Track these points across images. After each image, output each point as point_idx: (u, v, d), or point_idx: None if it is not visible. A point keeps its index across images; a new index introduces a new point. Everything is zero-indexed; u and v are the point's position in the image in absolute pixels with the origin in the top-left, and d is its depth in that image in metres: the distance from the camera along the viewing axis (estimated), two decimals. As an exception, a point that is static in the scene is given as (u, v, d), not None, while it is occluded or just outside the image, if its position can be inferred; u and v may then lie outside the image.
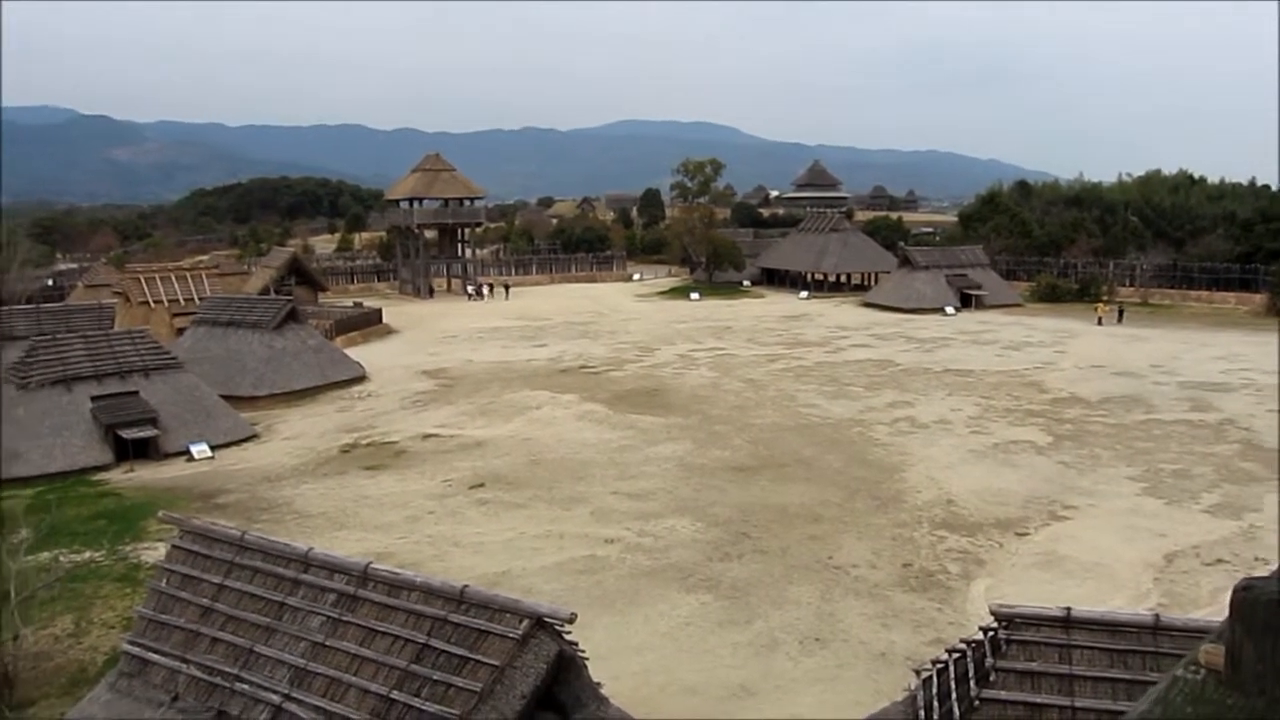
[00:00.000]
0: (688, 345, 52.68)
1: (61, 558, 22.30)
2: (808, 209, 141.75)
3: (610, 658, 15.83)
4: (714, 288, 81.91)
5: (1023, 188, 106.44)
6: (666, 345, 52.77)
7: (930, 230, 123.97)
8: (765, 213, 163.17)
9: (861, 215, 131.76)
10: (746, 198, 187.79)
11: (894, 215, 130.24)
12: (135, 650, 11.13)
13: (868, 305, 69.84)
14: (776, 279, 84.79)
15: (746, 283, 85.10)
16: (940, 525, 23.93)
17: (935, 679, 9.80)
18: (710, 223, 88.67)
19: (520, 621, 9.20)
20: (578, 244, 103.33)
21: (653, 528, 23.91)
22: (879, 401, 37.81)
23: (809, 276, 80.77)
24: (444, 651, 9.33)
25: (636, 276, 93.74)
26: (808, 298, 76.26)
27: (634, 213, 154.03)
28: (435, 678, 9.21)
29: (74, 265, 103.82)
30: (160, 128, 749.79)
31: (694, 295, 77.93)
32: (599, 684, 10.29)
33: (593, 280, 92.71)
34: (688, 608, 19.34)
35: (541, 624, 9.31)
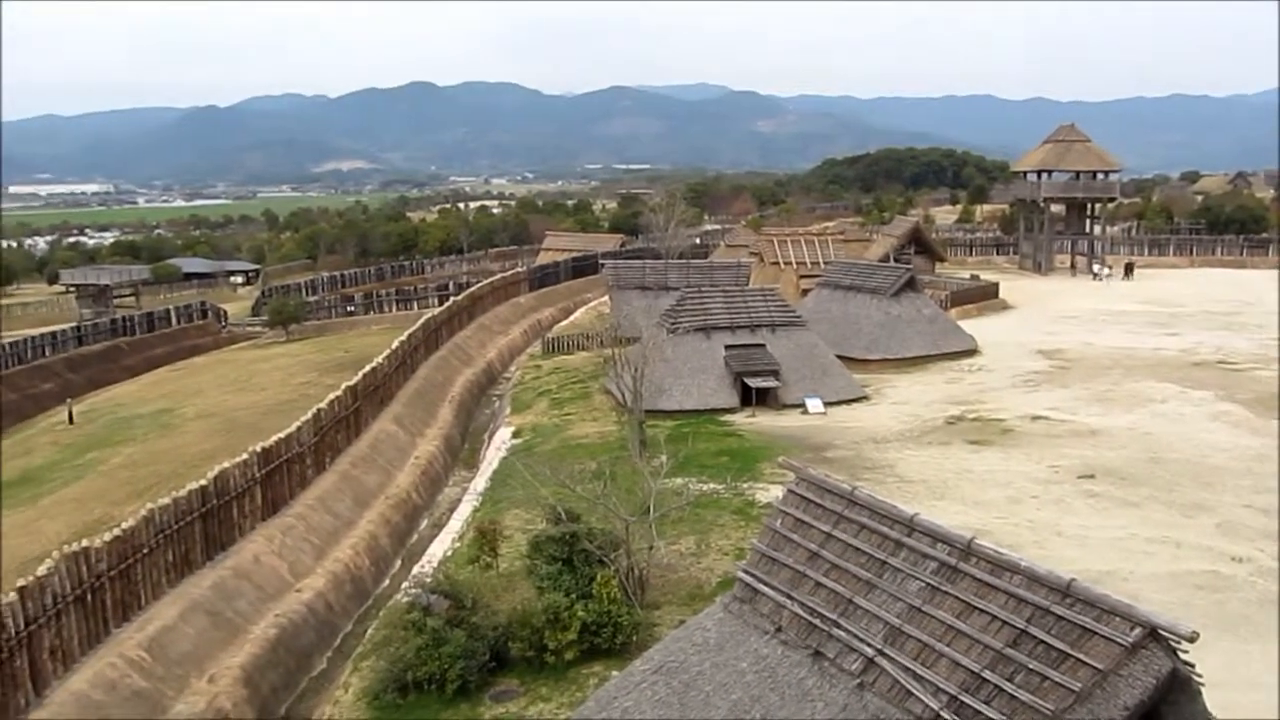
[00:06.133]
0: (1361, 348, 44.74)
1: (690, 485, 25.02)
2: None
3: (1222, 687, 14.09)
4: (1405, 282, 68.52)
5: None
6: (1332, 345, 45.30)
7: None
8: None
9: None
10: None
11: None
12: (748, 579, 12.21)
13: None
14: None
15: None
16: None
17: None
18: None
19: (1132, 628, 8.60)
20: (1226, 224, 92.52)
21: (1294, 553, 20.90)
22: None
23: None
24: (1042, 642, 9.03)
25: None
26: None
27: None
28: (1031, 666, 8.97)
29: (718, 226, 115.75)
30: (799, 101, 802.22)
31: (1376, 289, 65.92)
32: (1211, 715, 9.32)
33: (1241, 266, 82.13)
34: (1330, 652, 16.66)
35: (1155, 635, 8.63)
